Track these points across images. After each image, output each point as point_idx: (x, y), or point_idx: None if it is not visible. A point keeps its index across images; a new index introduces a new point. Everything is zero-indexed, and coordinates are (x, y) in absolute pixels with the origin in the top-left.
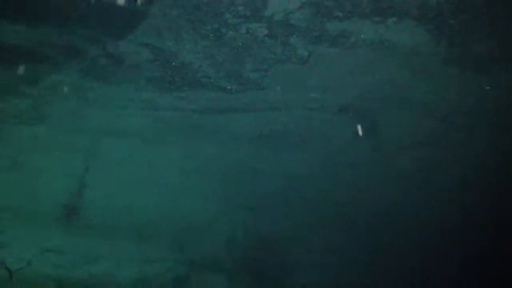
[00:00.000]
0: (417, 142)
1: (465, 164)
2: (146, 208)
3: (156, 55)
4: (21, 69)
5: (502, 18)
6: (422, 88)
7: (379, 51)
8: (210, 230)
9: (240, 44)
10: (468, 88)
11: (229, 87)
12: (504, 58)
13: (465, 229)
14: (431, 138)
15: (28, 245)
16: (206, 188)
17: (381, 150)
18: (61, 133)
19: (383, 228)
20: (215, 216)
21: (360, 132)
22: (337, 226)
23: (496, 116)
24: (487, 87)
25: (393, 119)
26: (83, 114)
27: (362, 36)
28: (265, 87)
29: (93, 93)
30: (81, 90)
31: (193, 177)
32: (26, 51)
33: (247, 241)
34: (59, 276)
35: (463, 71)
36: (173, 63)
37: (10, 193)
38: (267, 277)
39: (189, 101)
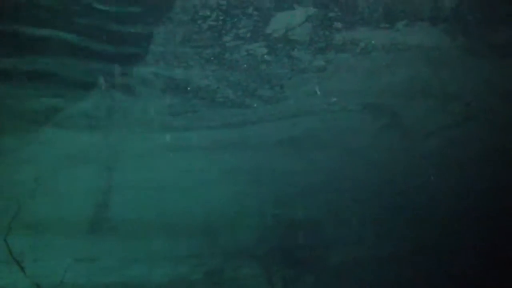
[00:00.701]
0: (444, 126)
1: (489, 141)
2: (176, 210)
3: (166, 83)
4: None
5: None
6: (442, 80)
7: (393, 53)
8: (241, 223)
9: (252, 63)
10: (486, 75)
11: (249, 103)
12: None
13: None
14: (456, 121)
15: (59, 257)
16: (232, 189)
17: (409, 137)
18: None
19: (414, 204)
20: (243, 211)
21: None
22: (369, 207)
23: None
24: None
25: (417, 109)
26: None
27: (372, 41)
28: (285, 98)
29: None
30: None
31: (217, 181)
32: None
33: (279, 230)
34: (93, 284)
35: (481, 60)
36: (188, 88)
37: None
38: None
39: (209, 119)
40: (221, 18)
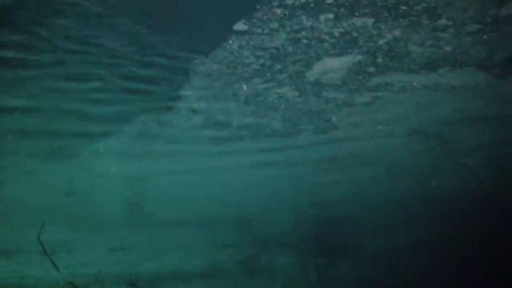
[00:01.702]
0: (482, 145)
1: None
2: (212, 204)
3: (207, 118)
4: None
5: None
6: (481, 110)
7: (438, 92)
8: (277, 217)
9: (286, 103)
10: None
11: (295, 133)
12: None
13: None
14: (495, 141)
15: (93, 248)
16: (269, 192)
17: (451, 155)
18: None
19: (437, 203)
20: (280, 208)
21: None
22: (402, 208)
23: None
24: None
25: (461, 133)
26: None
27: (414, 83)
28: (333, 128)
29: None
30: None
31: (256, 184)
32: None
33: (313, 222)
34: (127, 273)
35: None
36: (234, 124)
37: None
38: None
39: (256, 146)
40: (265, 64)
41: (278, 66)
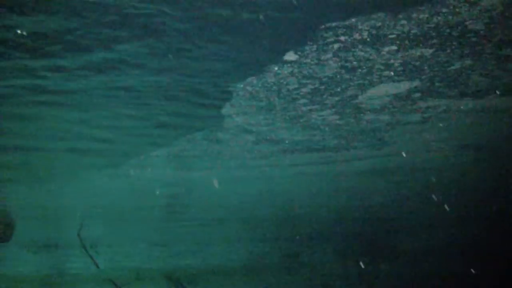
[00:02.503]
0: None
1: None
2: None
3: (258, 136)
4: None
5: None
6: None
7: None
8: (320, 216)
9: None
10: None
11: (346, 148)
12: None
13: None
14: None
15: (134, 243)
16: (314, 195)
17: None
18: None
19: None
20: (324, 207)
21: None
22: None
23: None
24: None
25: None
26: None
27: (461, 107)
28: (385, 144)
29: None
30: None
31: (300, 186)
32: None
33: (355, 221)
34: (168, 267)
35: None
36: (287, 142)
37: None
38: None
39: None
40: (312, 88)
41: (326, 91)
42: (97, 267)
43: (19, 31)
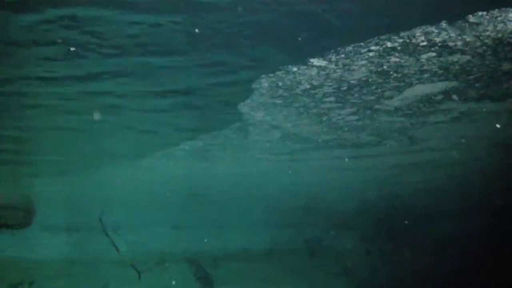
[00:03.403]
0: None
1: None
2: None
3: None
4: None
5: None
6: None
7: None
8: (343, 202)
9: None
10: None
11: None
12: None
13: None
14: None
15: (155, 226)
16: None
17: None
18: None
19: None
20: (346, 194)
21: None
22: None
23: None
24: None
25: None
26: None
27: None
28: (415, 142)
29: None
30: None
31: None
32: None
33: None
34: (191, 251)
35: None
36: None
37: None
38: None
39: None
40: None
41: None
42: (118, 251)
43: None
